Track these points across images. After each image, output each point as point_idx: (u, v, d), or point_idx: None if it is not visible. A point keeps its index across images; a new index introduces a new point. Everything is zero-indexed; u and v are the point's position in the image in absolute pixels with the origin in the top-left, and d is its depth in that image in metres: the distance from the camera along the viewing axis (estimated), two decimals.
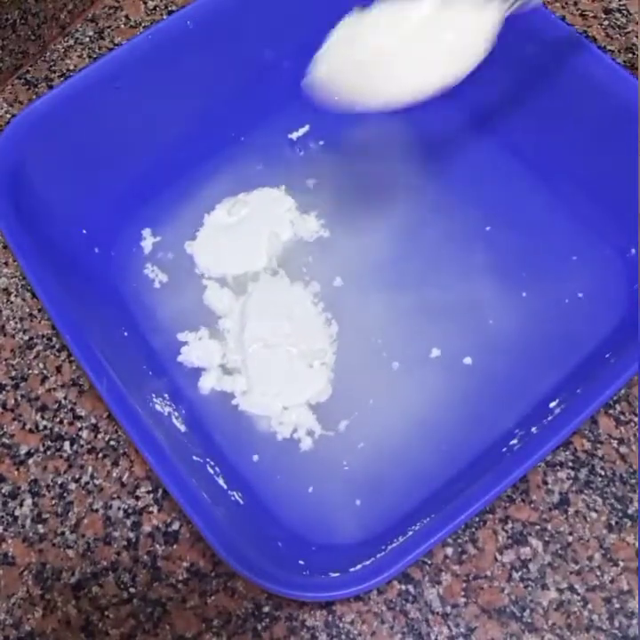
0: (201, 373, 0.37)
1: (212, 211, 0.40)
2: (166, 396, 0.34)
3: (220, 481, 0.32)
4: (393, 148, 0.41)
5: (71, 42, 0.47)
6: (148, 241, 0.40)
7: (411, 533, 0.29)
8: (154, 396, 0.33)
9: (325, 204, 0.40)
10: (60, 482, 0.35)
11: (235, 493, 0.32)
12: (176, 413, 0.34)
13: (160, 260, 0.39)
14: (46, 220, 0.34)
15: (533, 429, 0.32)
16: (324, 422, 0.35)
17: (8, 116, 0.45)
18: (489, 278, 0.38)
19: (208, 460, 0.33)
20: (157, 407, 0.33)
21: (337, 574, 0.28)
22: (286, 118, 0.42)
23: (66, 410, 0.37)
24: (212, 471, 0.32)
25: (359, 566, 0.28)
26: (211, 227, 0.40)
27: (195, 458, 0.32)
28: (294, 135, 0.42)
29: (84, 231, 0.37)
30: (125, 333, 0.36)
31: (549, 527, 0.34)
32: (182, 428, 0.33)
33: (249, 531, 0.31)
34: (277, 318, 0.37)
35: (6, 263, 0.41)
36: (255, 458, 0.35)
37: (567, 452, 0.35)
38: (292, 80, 0.40)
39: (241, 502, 0.32)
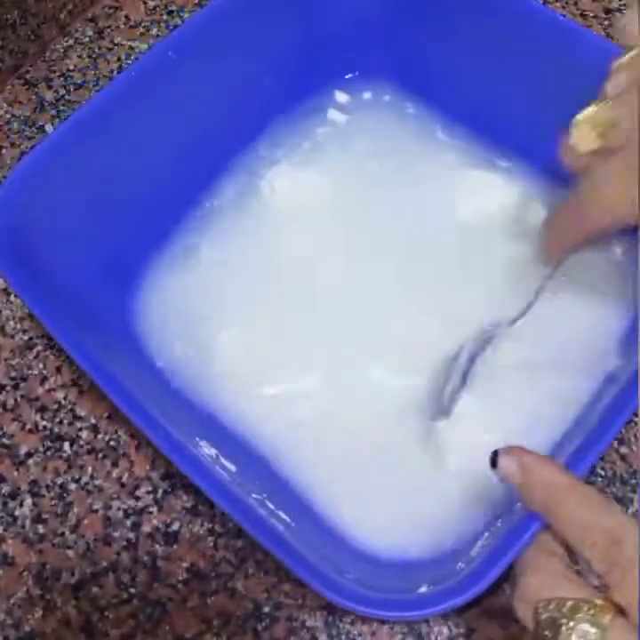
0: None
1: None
2: (206, 438, 0.33)
3: (282, 514, 0.31)
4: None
5: (71, 42, 0.47)
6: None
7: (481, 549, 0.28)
8: (198, 439, 0.32)
9: None
10: (59, 482, 0.35)
11: (298, 522, 0.31)
12: (221, 453, 0.32)
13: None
14: (51, 270, 0.33)
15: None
16: None
17: (8, 115, 0.45)
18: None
19: (263, 495, 0.31)
20: (205, 450, 0.32)
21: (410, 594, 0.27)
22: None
23: (65, 410, 0.37)
24: (271, 506, 0.31)
25: (431, 587, 0.27)
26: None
27: (254, 496, 0.31)
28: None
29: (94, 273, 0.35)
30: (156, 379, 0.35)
31: None
32: (233, 468, 0.32)
33: (325, 557, 0.30)
34: None
35: None
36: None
37: None
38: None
39: (306, 530, 0.31)
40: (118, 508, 0.35)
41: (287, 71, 0.40)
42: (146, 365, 0.35)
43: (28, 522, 0.35)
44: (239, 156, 0.40)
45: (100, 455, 0.36)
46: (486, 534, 0.28)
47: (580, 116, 0.27)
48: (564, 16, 0.45)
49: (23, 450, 0.36)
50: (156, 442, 0.28)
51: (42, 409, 0.37)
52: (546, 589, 0.23)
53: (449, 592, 0.26)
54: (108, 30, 0.47)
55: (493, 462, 0.26)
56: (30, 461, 0.36)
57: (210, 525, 0.34)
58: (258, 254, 0.38)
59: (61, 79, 0.46)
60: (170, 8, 0.48)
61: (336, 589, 0.26)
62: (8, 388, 0.38)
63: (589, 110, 0.27)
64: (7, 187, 0.32)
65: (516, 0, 0.36)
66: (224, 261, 0.38)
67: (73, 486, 0.35)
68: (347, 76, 0.42)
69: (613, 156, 0.27)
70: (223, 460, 0.32)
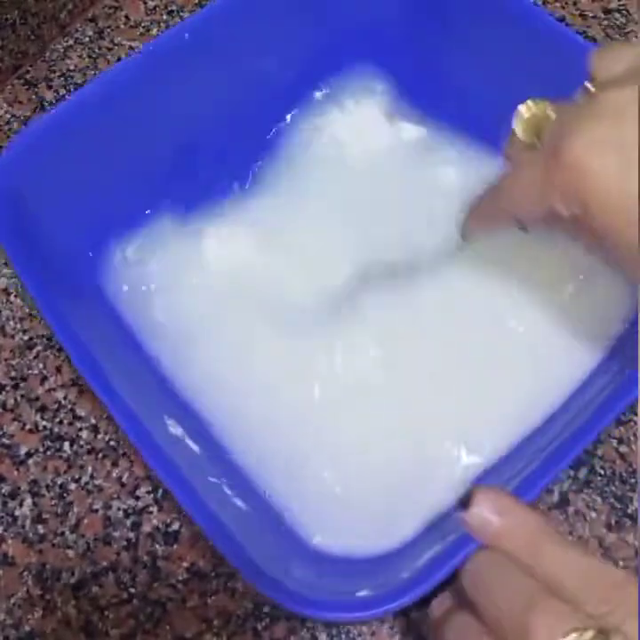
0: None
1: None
2: (177, 416, 0.33)
3: (238, 502, 0.31)
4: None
5: (71, 42, 0.47)
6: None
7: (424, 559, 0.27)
8: (166, 417, 0.32)
9: None
10: (59, 482, 0.35)
11: (253, 512, 0.31)
12: (188, 433, 0.32)
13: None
14: (47, 239, 0.33)
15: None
16: None
17: (8, 116, 0.45)
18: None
19: (223, 479, 0.31)
20: (171, 429, 0.32)
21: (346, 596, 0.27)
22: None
23: (65, 410, 0.37)
24: (229, 492, 0.31)
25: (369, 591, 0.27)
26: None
27: (211, 479, 0.31)
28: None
29: (90, 253, 0.36)
30: (133, 354, 0.35)
31: None
32: (196, 448, 0.32)
33: (271, 548, 0.30)
34: None
35: (6, 263, 0.41)
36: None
37: None
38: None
39: (260, 522, 0.31)
40: (118, 508, 0.35)
41: (296, 67, 0.39)
42: (126, 336, 0.35)
43: (27, 522, 0.35)
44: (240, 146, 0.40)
45: (100, 455, 0.36)
46: (436, 547, 0.28)
47: (523, 107, 0.27)
48: (583, 36, 0.45)
49: (23, 450, 0.36)
50: (107, 405, 0.28)
51: (42, 409, 0.37)
52: None
53: (387, 596, 0.25)
54: (108, 30, 0.47)
55: (464, 504, 0.24)
56: (30, 461, 0.36)
57: None
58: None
59: (61, 79, 0.46)
60: (170, 8, 0.48)
61: (272, 586, 0.26)
62: (8, 388, 0.38)
63: (535, 103, 0.27)
64: (10, 149, 0.32)
65: (537, 20, 0.35)
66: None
67: (73, 486, 0.35)
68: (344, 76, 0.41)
69: (537, 153, 0.26)
70: (188, 441, 0.32)
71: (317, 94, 0.41)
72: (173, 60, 0.35)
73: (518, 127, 0.26)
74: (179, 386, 0.35)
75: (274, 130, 0.41)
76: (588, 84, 0.26)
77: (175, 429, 0.32)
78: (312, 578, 0.29)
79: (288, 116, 0.41)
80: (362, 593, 0.27)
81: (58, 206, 0.34)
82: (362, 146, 0.41)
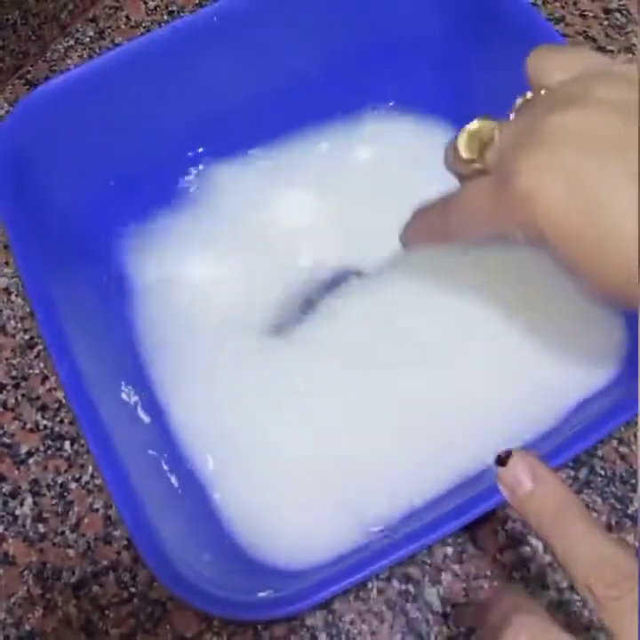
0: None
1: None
2: (134, 385, 0.33)
3: (173, 479, 0.31)
4: None
5: (72, 42, 0.47)
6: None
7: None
8: (124, 383, 0.32)
9: None
10: (60, 481, 0.36)
11: (184, 492, 0.31)
12: (141, 403, 0.33)
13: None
14: (47, 206, 0.34)
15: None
16: None
17: None
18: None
19: (164, 455, 0.32)
20: (124, 396, 0.32)
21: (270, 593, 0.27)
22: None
23: (66, 409, 0.37)
24: (166, 467, 0.31)
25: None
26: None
27: (150, 452, 0.31)
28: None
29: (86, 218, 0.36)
30: (112, 322, 0.35)
31: None
32: (146, 420, 0.32)
33: (190, 533, 0.30)
34: None
35: (7, 263, 0.41)
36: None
37: None
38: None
39: (190, 503, 0.31)
40: None
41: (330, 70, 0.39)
42: (106, 302, 0.36)
43: (28, 521, 0.35)
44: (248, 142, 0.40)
45: None
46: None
47: (469, 126, 0.26)
48: (584, 36, 0.45)
49: (24, 449, 0.36)
50: (55, 363, 0.28)
51: (42, 408, 0.37)
52: None
53: (287, 599, 0.25)
54: (109, 30, 0.47)
55: (501, 461, 0.25)
56: (31, 460, 0.36)
57: None
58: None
59: None
60: (170, 8, 0.48)
61: (175, 580, 0.26)
62: (9, 388, 0.38)
63: (480, 121, 0.26)
64: (15, 112, 0.32)
65: None
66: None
67: (73, 485, 0.35)
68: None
69: (486, 177, 0.26)
70: (140, 412, 0.32)
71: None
72: (204, 42, 0.35)
73: (461, 142, 0.26)
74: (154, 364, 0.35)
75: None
76: (528, 94, 0.26)
77: (129, 398, 0.32)
78: (219, 572, 0.29)
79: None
80: (263, 593, 0.27)
81: (56, 171, 0.34)
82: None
